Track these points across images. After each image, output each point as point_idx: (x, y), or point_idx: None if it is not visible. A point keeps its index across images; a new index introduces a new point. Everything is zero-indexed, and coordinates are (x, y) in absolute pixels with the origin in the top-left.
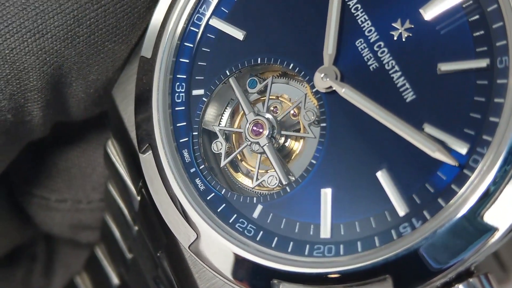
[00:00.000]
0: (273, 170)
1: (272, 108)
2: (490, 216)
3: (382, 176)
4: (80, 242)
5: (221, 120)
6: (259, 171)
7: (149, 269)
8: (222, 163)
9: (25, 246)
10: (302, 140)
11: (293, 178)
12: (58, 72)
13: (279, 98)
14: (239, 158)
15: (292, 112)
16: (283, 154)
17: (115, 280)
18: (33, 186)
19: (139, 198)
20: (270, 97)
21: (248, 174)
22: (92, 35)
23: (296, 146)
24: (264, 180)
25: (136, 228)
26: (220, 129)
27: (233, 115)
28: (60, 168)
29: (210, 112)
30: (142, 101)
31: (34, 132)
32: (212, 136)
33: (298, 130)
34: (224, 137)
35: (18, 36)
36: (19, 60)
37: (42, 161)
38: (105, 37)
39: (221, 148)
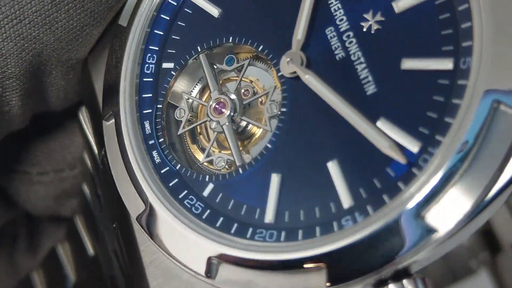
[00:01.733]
0: (225, 151)
1: (243, 91)
2: (431, 217)
3: (332, 167)
4: (63, 215)
5: (191, 93)
6: (213, 148)
7: (110, 240)
8: (180, 131)
9: (4, 228)
10: None
11: (247, 161)
12: (38, 60)
13: (253, 83)
14: (198, 131)
15: (260, 99)
16: (246, 136)
17: (90, 250)
18: (13, 163)
19: (102, 166)
20: (245, 79)
21: (202, 148)
22: (70, 20)
23: (257, 130)
24: (213, 159)
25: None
26: (187, 97)
27: (203, 90)
28: (37, 141)
29: (179, 86)
30: (112, 67)
31: (13, 123)
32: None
33: (261, 119)
34: (189, 106)
35: None
36: None
37: (19, 138)
38: (84, 22)
39: (183, 116)
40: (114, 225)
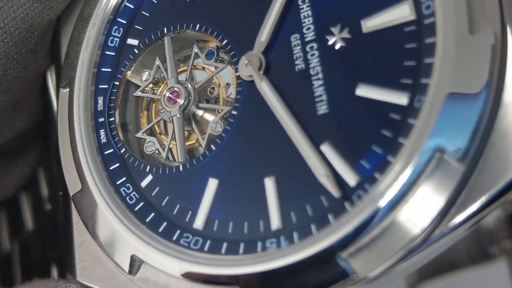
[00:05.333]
0: (165, 137)
1: (209, 88)
2: (352, 259)
3: (268, 183)
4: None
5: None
6: (156, 127)
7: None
8: (135, 93)
9: None
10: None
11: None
12: None
13: (220, 87)
14: (153, 100)
15: (216, 109)
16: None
17: (48, 204)
18: None
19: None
20: (216, 78)
21: (149, 119)
22: None
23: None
24: (146, 140)
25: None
26: (158, 64)
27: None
28: None
29: (140, 65)
30: (78, 33)
31: None
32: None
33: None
34: (156, 74)
35: None
36: None
37: None
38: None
39: (147, 80)
40: (60, 193)
